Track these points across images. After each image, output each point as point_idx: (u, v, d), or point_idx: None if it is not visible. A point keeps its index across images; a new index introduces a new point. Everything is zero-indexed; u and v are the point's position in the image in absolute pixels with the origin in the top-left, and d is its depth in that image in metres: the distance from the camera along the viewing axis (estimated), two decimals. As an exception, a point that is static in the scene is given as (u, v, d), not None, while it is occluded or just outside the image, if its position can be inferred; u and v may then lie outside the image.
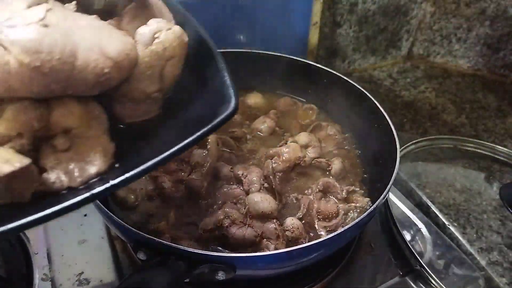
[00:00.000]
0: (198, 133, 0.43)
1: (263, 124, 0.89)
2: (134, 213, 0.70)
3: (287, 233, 0.65)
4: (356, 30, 1.26)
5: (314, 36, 1.18)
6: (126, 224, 0.56)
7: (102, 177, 0.43)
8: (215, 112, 0.45)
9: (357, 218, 0.60)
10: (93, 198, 0.39)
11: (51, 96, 0.41)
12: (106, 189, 0.39)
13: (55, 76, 0.39)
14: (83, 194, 0.39)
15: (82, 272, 0.71)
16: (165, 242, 0.54)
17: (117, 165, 0.44)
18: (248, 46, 1.08)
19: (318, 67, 0.93)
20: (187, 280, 0.54)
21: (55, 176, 0.41)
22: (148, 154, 0.42)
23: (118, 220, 0.56)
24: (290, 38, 1.14)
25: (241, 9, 1.02)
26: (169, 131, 0.50)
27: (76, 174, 0.42)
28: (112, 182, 0.39)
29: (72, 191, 0.41)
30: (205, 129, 0.43)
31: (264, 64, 0.97)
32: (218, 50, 0.53)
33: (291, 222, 0.66)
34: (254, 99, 0.97)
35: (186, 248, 0.53)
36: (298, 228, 0.66)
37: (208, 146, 0.73)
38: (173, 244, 0.54)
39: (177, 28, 0.49)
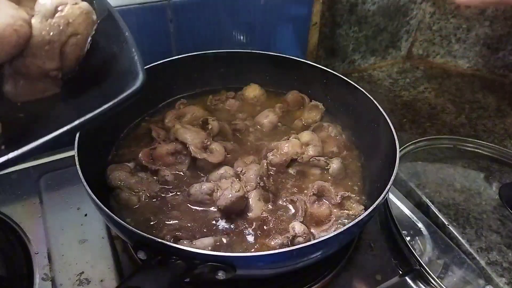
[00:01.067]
0: (98, 110, 0.40)
1: (266, 119, 0.89)
2: (137, 214, 0.70)
3: (299, 239, 0.65)
4: (356, 31, 1.26)
5: (314, 36, 1.18)
6: (126, 224, 0.56)
7: None
8: (121, 89, 0.42)
9: (350, 224, 0.60)
10: None
11: None
12: None
13: None
14: None
15: (83, 272, 0.72)
16: (165, 242, 0.54)
17: (3, 147, 0.40)
18: (248, 46, 1.09)
19: (318, 67, 0.93)
20: (187, 280, 0.55)
21: None
22: (42, 135, 0.38)
23: (118, 220, 0.57)
24: (290, 38, 1.14)
25: (241, 10, 1.02)
26: (70, 110, 0.47)
27: None
28: None
29: None
30: (108, 105, 0.40)
31: (264, 64, 0.97)
32: (127, 26, 0.51)
33: (301, 228, 0.65)
34: (252, 92, 0.97)
35: (186, 248, 0.53)
36: (308, 234, 0.66)
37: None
38: (173, 244, 0.54)
39: (84, 4, 0.46)
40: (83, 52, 0.48)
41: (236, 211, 0.69)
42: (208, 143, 0.78)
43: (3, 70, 0.45)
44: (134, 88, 0.42)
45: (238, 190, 0.68)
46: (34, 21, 0.43)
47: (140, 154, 0.77)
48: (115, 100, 0.41)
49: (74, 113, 0.41)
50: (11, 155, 0.36)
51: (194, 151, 0.75)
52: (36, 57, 0.44)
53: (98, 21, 0.49)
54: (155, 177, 0.75)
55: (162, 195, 0.73)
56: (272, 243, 0.66)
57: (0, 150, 0.40)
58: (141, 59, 0.46)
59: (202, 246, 0.63)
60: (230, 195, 0.67)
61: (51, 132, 0.38)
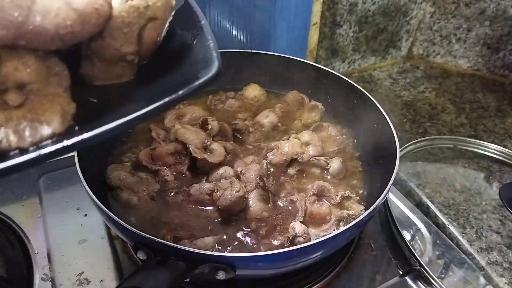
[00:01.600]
0: (172, 97, 0.40)
1: (266, 119, 0.89)
2: (137, 214, 0.70)
3: (299, 239, 0.65)
4: (356, 31, 1.26)
5: (314, 36, 1.18)
6: (126, 224, 0.56)
7: (57, 139, 0.38)
8: (195, 77, 0.42)
9: (350, 224, 0.60)
10: (41, 159, 0.36)
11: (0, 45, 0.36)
12: (57, 150, 0.36)
13: (5, 20, 0.34)
14: (31, 154, 0.35)
15: (82, 272, 0.71)
16: (165, 242, 0.54)
17: (76, 128, 0.40)
18: (248, 46, 1.09)
19: (318, 67, 0.93)
20: (187, 280, 0.54)
21: (3, 135, 0.37)
22: (114, 119, 0.39)
23: (118, 220, 0.57)
24: (290, 38, 1.14)
25: (240, 10, 1.02)
26: (142, 97, 0.47)
27: (27, 134, 0.38)
28: (65, 143, 0.36)
29: (23, 152, 0.37)
30: (180, 92, 0.41)
31: (264, 64, 0.97)
32: (205, 19, 0.51)
33: (301, 228, 0.65)
34: (252, 92, 0.97)
35: (186, 248, 0.54)
36: (308, 234, 0.66)
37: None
38: (173, 244, 0.54)
39: None
40: (160, 38, 0.47)
41: (236, 211, 0.69)
42: (208, 143, 0.78)
43: (82, 51, 0.45)
44: (210, 74, 0.42)
45: (238, 191, 0.68)
46: (114, 1, 0.43)
47: (140, 154, 0.77)
48: (186, 89, 0.41)
49: (148, 99, 0.42)
50: (85, 135, 0.37)
51: (194, 151, 0.75)
52: (114, 39, 0.44)
53: (176, 8, 0.48)
54: (155, 177, 0.75)
55: (162, 195, 0.73)
56: (273, 243, 0.66)
57: (74, 131, 0.40)
58: (216, 47, 0.46)
59: (202, 246, 0.63)
60: (230, 195, 0.67)
61: (123, 117, 0.38)
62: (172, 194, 0.73)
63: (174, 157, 0.77)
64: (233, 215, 0.70)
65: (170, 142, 0.80)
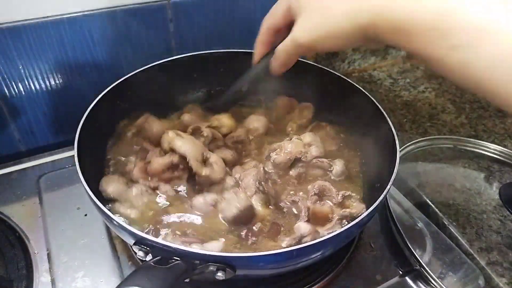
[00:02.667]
0: None
1: (257, 122, 0.88)
2: (137, 214, 0.70)
3: (305, 238, 0.64)
4: (356, 30, 1.26)
5: (314, 36, 1.18)
6: (126, 225, 0.56)
7: None
8: None
9: (350, 224, 0.60)
10: None
11: None
12: None
13: None
14: None
15: (83, 272, 0.71)
16: (165, 242, 0.54)
17: None
18: (248, 46, 1.09)
19: (318, 67, 0.93)
20: (187, 280, 0.54)
21: None
22: None
23: (118, 221, 0.57)
24: (290, 38, 1.14)
25: (241, 9, 1.02)
26: None
27: None
28: None
29: None
30: None
31: (264, 64, 0.97)
32: None
33: (307, 227, 0.65)
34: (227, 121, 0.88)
35: (186, 248, 0.53)
36: (314, 233, 0.66)
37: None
38: (173, 244, 0.54)
39: None
40: None
41: (244, 221, 0.68)
42: (208, 156, 0.74)
43: None
44: None
45: (244, 200, 0.67)
46: None
47: (134, 172, 0.73)
48: None
49: None
50: None
51: (195, 166, 0.71)
52: None
53: None
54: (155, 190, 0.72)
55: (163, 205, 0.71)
56: (281, 245, 0.65)
57: None
58: None
59: (209, 249, 0.63)
60: (238, 205, 0.66)
61: None
62: (174, 205, 0.72)
63: (171, 172, 0.73)
64: (244, 224, 0.68)
65: (162, 151, 0.75)
